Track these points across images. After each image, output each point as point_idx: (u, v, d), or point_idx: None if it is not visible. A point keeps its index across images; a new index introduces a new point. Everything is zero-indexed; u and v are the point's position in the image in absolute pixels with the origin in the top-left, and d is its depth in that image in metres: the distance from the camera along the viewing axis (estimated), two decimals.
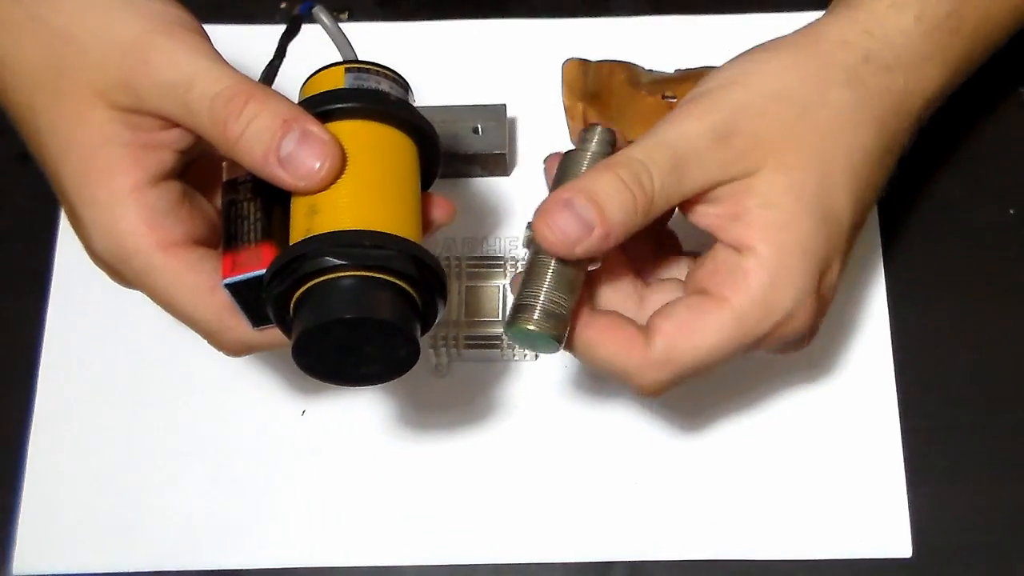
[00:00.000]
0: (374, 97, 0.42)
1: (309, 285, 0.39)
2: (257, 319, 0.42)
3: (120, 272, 0.42)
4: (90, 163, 0.41)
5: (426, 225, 0.44)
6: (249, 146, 0.40)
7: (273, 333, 0.42)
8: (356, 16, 0.64)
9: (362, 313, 0.39)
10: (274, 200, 0.42)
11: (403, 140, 0.43)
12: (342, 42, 0.44)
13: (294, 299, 0.40)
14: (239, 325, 0.42)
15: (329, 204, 0.41)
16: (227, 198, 0.43)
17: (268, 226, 0.41)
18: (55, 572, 0.54)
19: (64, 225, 0.60)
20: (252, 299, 0.41)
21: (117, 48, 0.40)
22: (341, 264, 0.39)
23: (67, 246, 0.59)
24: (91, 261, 0.43)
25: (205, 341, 0.44)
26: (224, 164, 0.43)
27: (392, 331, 0.40)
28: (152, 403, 0.57)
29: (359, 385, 0.43)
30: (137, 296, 0.58)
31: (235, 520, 0.55)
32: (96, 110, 0.41)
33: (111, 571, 0.54)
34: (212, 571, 0.54)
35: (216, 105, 0.40)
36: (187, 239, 0.42)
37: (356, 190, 0.41)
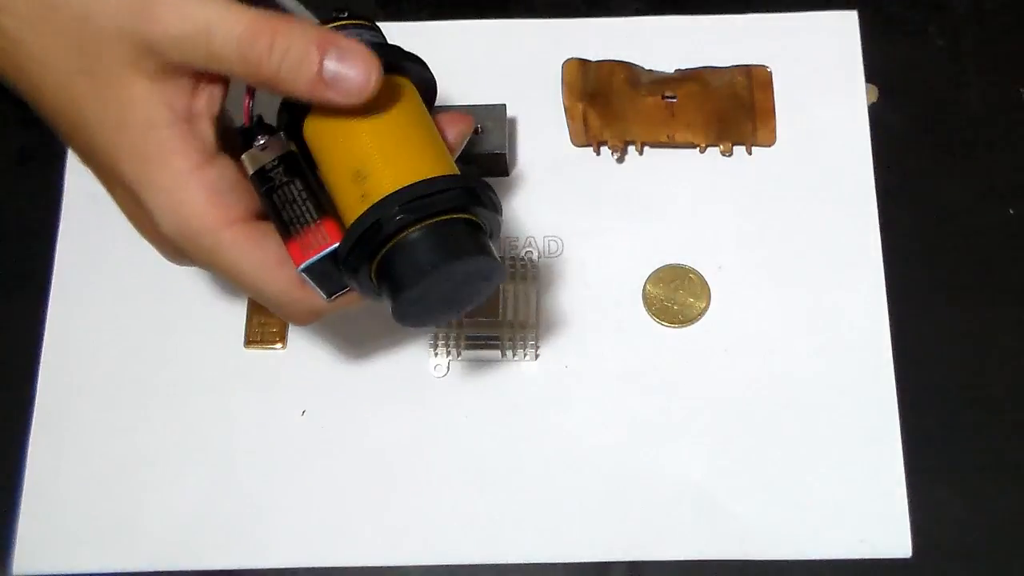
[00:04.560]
0: (377, 50, 0.42)
1: (389, 246, 0.41)
2: (330, 290, 0.43)
3: (187, 252, 0.43)
4: (145, 147, 0.41)
5: (454, 137, 0.46)
6: (291, 78, 0.40)
7: (344, 299, 0.44)
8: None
9: (453, 257, 0.41)
10: (308, 174, 0.43)
11: (405, 82, 0.44)
12: (304, 16, 0.44)
13: (375, 264, 0.41)
14: (310, 297, 0.43)
15: (372, 167, 0.42)
16: (263, 188, 0.43)
17: (319, 202, 0.42)
18: (55, 572, 0.54)
19: (64, 225, 0.60)
20: (326, 274, 0.42)
21: (127, 14, 0.40)
22: (415, 219, 0.41)
23: (67, 246, 0.59)
24: (150, 244, 0.44)
25: (270, 304, 0.44)
26: (244, 156, 0.43)
27: (480, 261, 0.42)
28: (152, 403, 0.57)
29: (453, 316, 0.46)
30: (137, 296, 0.58)
31: (235, 520, 0.55)
32: (135, 86, 0.41)
33: (111, 571, 0.54)
34: (212, 571, 0.54)
35: (243, 48, 0.40)
36: (249, 214, 0.42)
37: (389, 145, 0.42)
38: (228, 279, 0.43)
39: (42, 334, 0.58)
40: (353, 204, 0.42)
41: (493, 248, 0.43)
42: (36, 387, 0.57)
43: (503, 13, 0.64)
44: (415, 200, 0.41)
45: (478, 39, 0.63)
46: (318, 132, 0.43)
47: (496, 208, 0.43)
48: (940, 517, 0.54)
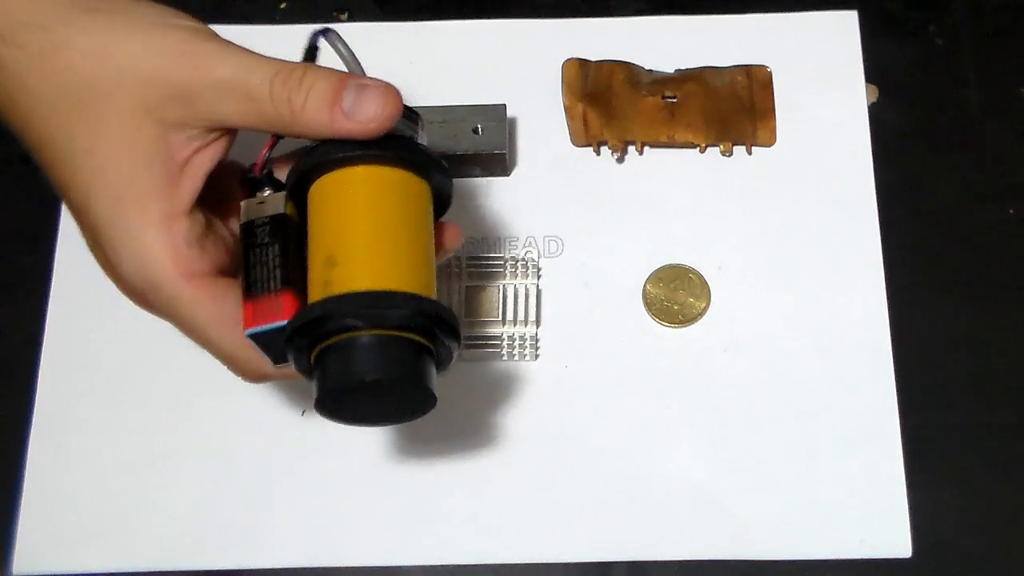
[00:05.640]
0: (387, 143, 0.43)
1: (330, 342, 0.41)
2: (277, 358, 0.43)
3: (145, 298, 0.43)
4: (127, 187, 0.41)
5: (437, 248, 0.45)
6: (314, 111, 0.42)
7: (292, 368, 0.43)
8: (356, 16, 0.64)
9: (382, 374, 0.41)
10: (292, 241, 0.43)
11: (417, 182, 0.44)
12: (356, 69, 0.44)
13: (315, 353, 0.41)
14: (259, 359, 0.43)
15: (347, 257, 0.42)
16: (245, 242, 0.43)
17: (287, 273, 0.42)
18: (55, 572, 0.54)
19: (64, 226, 0.60)
20: (273, 344, 0.42)
21: (163, 59, 0.41)
22: (360, 325, 0.41)
23: (67, 246, 0.59)
24: (118, 289, 0.44)
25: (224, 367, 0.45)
26: (242, 204, 0.44)
27: (411, 385, 0.41)
28: (152, 403, 0.57)
29: (373, 426, 0.46)
30: None
31: (235, 520, 0.55)
32: (144, 129, 0.41)
33: (111, 571, 0.54)
34: (212, 571, 0.54)
35: (276, 84, 0.41)
36: (212, 270, 0.43)
37: (372, 242, 0.42)
38: (182, 330, 0.44)
39: (42, 335, 0.58)
40: (317, 288, 0.42)
41: (433, 377, 0.42)
42: (36, 387, 0.57)
43: (503, 13, 0.64)
44: (369, 308, 0.40)
45: (478, 39, 0.63)
46: (318, 201, 0.43)
47: (455, 336, 0.43)
48: (940, 517, 0.54)
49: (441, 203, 0.45)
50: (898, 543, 0.53)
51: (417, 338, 0.42)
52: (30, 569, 0.54)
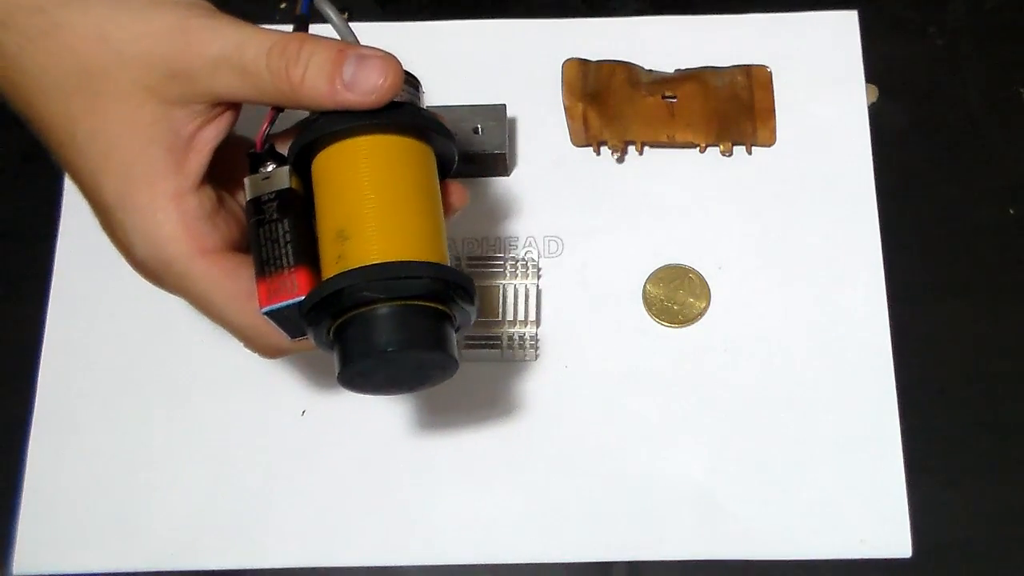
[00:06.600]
0: (390, 111, 0.42)
1: (349, 316, 0.41)
2: (294, 333, 0.43)
3: (159, 277, 0.43)
4: (133, 167, 0.41)
5: (445, 209, 0.45)
6: (313, 83, 0.41)
7: (308, 342, 0.43)
8: (356, 16, 0.64)
9: (404, 345, 0.41)
10: (300, 215, 0.43)
11: (420, 147, 0.44)
12: (348, 35, 0.44)
13: (334, 326, 0.41)
14: (275, 334, 0.43)
15: (358, 229, 0.41)
16: (253, 219, 0.43)
17: (299, 249, 0.42)
18: (55, 572, 0.54)
19: (64, 225, 0.60)
20: (290, 320, 0.42)
21: (158, 39, 0.41)
22: (379, 297, 0.41)
23: (67, 246, 0.59)
24: (130, 267, 0.43)
25: (240, 344, 0.45)
26: (246, 180, 0.43)
27: (432, 353, 0.41)
28: (152, 403, 0.57)
29: (398, 393, 0.45)
30: (137, 297, 0.58)
31: (235, 520, 0.55)
32: (145, 108, 0.41)
33: (111, 571, 0.54)
34: (212, 571, 0.54)
35: (273, 56, 0.41)
36: (224, 245, 0.43)
37: (381, 213, 0.42)
38: (197, 308, 0.43)
39: (42, 334, 0.58)
40: (329, 262, 0.42)
41: (453, 341, 0.42)
42: (36, 387, 0.57)
43: (503, 13, 0.64)
44: (386, 279, 0.40)
45: (478, 39, 0.63)
46: (323, 174, 0.43)
47: (472, 301, 0.43)
48: (940, 517, 0.54)
49: (445, 165, 0.45)
50: (898, 543, 0.53)
51: (435, 305, 0.42)
52: (30, 569, 0.54)
